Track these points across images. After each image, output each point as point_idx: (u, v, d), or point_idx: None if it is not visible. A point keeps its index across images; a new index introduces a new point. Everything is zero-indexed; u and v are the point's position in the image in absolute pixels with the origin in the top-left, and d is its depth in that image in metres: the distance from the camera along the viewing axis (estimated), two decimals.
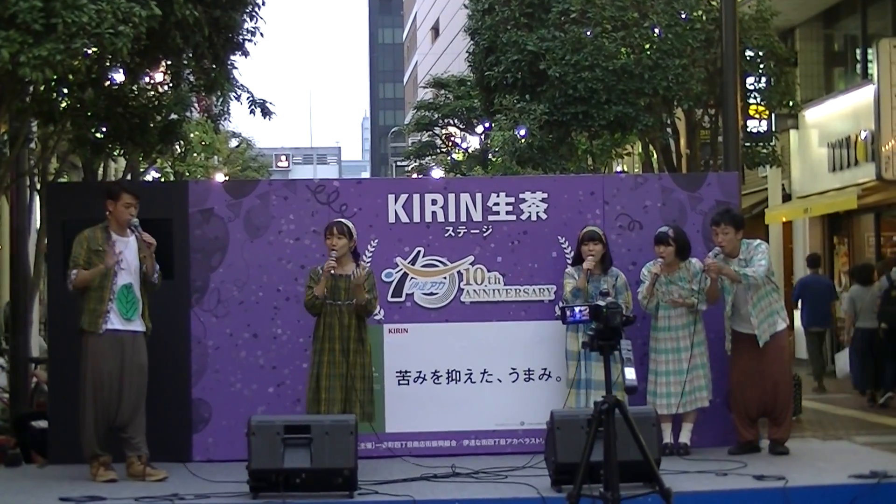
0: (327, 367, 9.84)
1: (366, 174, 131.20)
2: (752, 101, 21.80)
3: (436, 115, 50.22)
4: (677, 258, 10.51)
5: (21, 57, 8.92)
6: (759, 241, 10.59)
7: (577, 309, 8.19)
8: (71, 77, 10.83)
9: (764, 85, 21.39)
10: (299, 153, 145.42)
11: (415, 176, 50.68)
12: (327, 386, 9.82)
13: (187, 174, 30.63)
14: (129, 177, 21.39)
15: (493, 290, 10.94)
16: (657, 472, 8.23)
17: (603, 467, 7.86)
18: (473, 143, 46.02)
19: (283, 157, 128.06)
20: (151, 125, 12.94)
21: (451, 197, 10.99)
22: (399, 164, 69.78)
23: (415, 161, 55.99)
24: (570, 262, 10.78)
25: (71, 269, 9.61)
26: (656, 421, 9.39)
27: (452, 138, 50.84)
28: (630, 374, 7.88)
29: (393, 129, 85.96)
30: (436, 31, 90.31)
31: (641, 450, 7.98)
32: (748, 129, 22.27)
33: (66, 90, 11.83)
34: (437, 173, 47.53)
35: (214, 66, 11.69)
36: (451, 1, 74.97)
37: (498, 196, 11.01)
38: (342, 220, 10.18)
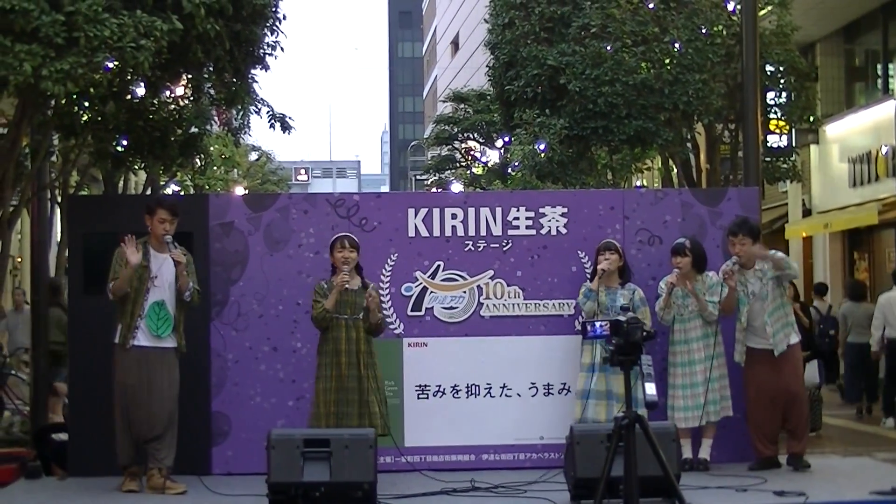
0: (336, 382, 9.83)
1: (385, 188, 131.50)
2: (772, 116, 21.77)
3: (455, 129, 50.16)
4: (694, 270, 10.50)
5: (43, 70, 8.96)
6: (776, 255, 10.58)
7: (597, 324, 8.22)
8: (92, 91, 10.87)
9: (784, 100, 21.36)
10: (319, 167, 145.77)
11: (434, 190, 50.67)
12: (336, 400, 9.80)
13: (207, 187, 30.75)
14: (149, 190, 21.47)
15: (513, 305, 10.92)
16: (677, 487, 8.22)
17: (623, 482, 7.85)
18: (493, 157, 45.98)
19: (303, 171, 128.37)
20: (172, 138, 12.98)
21: (471, 211, 10.99)
22: (418, 178, 69.76)
23: (434, 175, 55.96)
24: (589, 276, 10.77)
25: (109, 281, 9.66)
26: (676, 436, 9.37)
27: (472, 152, 50.80)
28: (650, 389, 7.89)
29: (412, 143, 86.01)
30: (455, 45, 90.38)
31: (661, 465, 7.97)
32: (768, 144, 22.23)
33: (87, 104, 11.89)
34: (456, 187, 47.48)
35: (235, 80, 11.71)
36: (470, 15, 75.08)
37: (518, 210, 11.01)
38: (348, 234, 10.23)
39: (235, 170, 40.96)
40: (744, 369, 10.46)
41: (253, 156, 50.53)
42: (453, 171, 53.37)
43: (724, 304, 10.37)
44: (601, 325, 8.19)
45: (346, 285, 9.83)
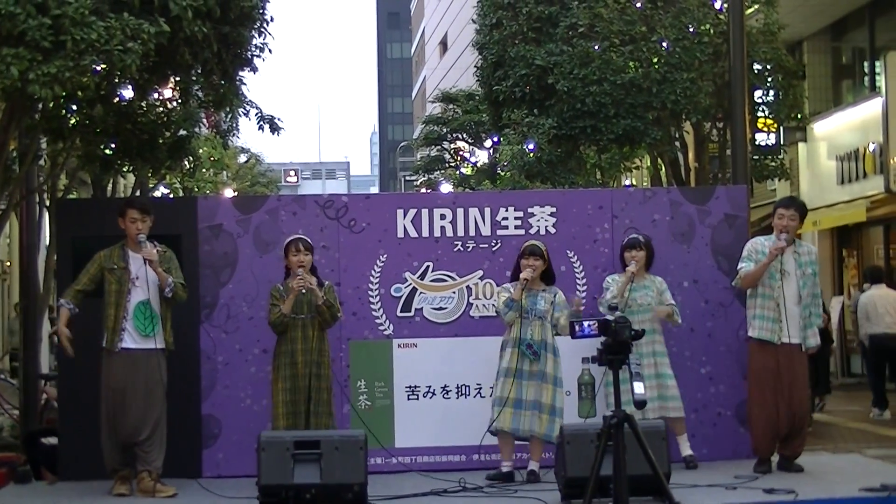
0: (291, 382, 9.86)
1: (375, 189, 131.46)
2: (760, 114, 21.82)
3: (444, 130, 50.20)
4: (644, 267, 10.48)
5: (30, 74, 8.96)
6: (813, 248, 10.58)
7: (585, 324, 8.23)
8: (80, 94, 10.84)
9: (772, 98, 21.40)
10: (308, 168, 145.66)
11: (424, 190, 50.66)
12: (294, 400, 9.84)
13: (196, 190, 30.67)
14: (138, 192, 21.43)
15: None
16: (667, 485, 8.24)
17: (613, 481, 7.87)
18: (482, 157, 46.01)
19: (292, 173, 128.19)
20: (160, 141, 12.97)
21: (460, 211, 11.00)
22: (408, 178, 69.79)
23: (424, 176, 55.96)
24: (509, 277, 10.62)
25: (66, 294, 9.72)
26: (666, 435, 9.34)
27: (461, 153, 50.82)
28: (639, 388, 7.91)
29: (402, 144, 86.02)
30: (444, 45, 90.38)
31: (651, 464, 7.99)
32: (756, 143, 22.26)
33: (75, 107, 11.87)
34: (445, 188, 47.48)
35: (223, 82, 11.70)
36: (459, 16, 75.10)
37: (507, 210, 11.02)
38: (302, 235, 10.22)
39: (224, 172, 40.84)
40: (750, 361, 10.30)
41: (242, 158, 50.42)
42: (442, 171, 53.38)
43: (749, 275, 10.14)
44: (589, 326, 8.20)
45: (303, 290, 9.83)
